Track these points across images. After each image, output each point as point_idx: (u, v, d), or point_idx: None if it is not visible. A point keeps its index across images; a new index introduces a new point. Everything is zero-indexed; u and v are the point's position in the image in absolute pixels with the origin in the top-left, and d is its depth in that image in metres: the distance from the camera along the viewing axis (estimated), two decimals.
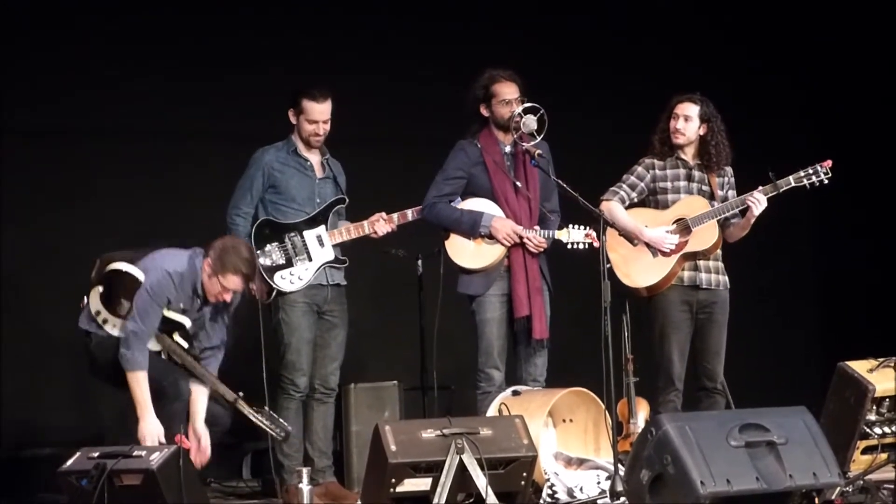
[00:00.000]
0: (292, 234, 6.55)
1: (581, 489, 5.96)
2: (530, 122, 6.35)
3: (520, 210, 6.49)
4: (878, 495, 5.58)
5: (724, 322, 6.59)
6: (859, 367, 5.98)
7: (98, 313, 6.03)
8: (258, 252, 6.44)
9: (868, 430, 5.90)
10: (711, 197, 6.60)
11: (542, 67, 7.99)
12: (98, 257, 6.14)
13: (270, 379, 6.47)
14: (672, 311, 6.51)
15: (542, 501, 5.95)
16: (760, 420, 5.13)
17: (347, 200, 6.69)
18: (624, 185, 6.61)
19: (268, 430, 6.14)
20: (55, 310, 6.67)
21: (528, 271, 6.46)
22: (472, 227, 6.46)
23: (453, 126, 6.80)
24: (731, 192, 6.65)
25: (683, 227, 6.54)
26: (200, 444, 6.06)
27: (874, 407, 5.93)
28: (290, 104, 6.57)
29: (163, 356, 6.07)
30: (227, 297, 6.05)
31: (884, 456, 5.88)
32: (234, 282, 5.98)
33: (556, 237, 6.46)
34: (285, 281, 6.49)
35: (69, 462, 5.56)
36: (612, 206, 6.55)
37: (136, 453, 5.43)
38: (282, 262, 6.50)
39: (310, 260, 6.55)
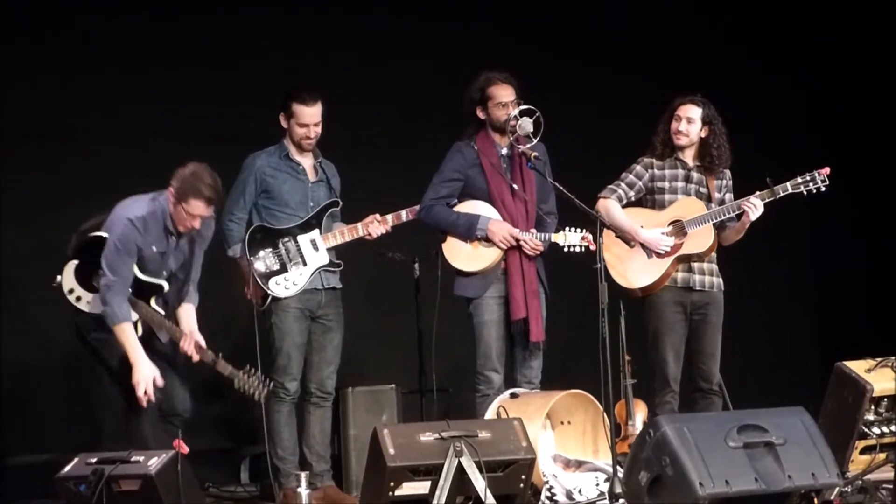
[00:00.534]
0: (286, 239, 6.54)
1: (580, 491, 5.96)
2: (526, 124, 6.35)
3: (516, 212, 6.49)
4: (877, 495, 5.59)
5: (719, 323, 6.59)
6: (857, 367, 5.99)
7: (71, 291, 6.03)
8: (252, 258, 6.43)
9: (866, 429, 5.90)
10: (709, 199, 6.60)
11: (539, 69, 7.99)
12: (74, 232, 6.15)
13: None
14: (665, 311, 6.51)
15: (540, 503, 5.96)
16: (759, 421, 5.13)
17: (341, 203, 6.68)
18: (622, 184, 6.61)
19: (248, 388, 6.10)
20: (55, 313, 6.65)
21: (525, 274, 6.46)
22: (469, 230, 6.46)
23: (448, 127, 6.80)
24: (729, 196, 6.65)
25: (679, 229, 6.54)
26: (194, 338, 6.08)
27: (872, 407, 5.93)
28: (280, 108, 6.57)
29: (139, 325, 6.05)
30: (196, 224, 6.02)
31: (882, 456, 5.88)
32: (198, 207, 5.97)
33: (552, 240, 6.46)
34: (280, 287, 6.49)
35: (67, 468, 5.56)
36: (608, 204, 6.55)
37: (134, 459, 5.43)
38: (276, 267, 6.50)
39: (304, 264, 6.54)
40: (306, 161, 6.64)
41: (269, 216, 6.56)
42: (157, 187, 6.15)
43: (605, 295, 5.73)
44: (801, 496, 5.14)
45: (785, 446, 5.08)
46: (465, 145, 6.55)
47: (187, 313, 6.21)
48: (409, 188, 6.80)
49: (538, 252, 6.49)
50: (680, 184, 6.61)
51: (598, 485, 5.97)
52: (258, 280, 6.46)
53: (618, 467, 5.60)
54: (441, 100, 7.26)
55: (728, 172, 6.70)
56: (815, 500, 5.23)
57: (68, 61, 7.49)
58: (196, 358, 6.10)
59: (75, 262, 6.06)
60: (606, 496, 5.66)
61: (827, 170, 6.46)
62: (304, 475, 6.08)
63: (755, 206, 6.44)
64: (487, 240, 6.46)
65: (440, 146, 6.66)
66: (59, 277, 6.06)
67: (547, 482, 6.01)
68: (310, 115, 6.55)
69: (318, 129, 6.58)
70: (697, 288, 6.54)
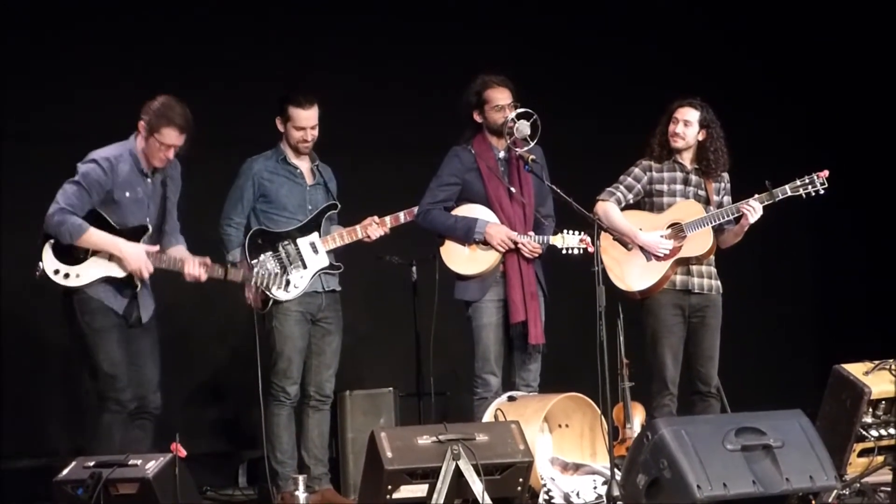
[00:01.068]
0: (286, 242, 6.54)
1: (577, 494, 5.95)
2: (524, 127, 6.35)
3: (514, 216, 6.49)
4: (875, 498, 5.58)
5: (717, 326, 6.59)
6: (855, 369, 5.99)
7: (56, 272, 5.97)
8: (253, 262, 6.43)
9: (864, 432, 5.91)
10: (707, 202, 6.60)
11: (536, 71, 8.01)
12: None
13: (265, 386, 6.47)
14: (664, 314, 6.51)
15: None
16: (756, 423, 5.13)
17: (339, 206, 6.68)
18: (621, 186, 6.61)
19: (264, 283, 6.17)
20: (54, 316, 6.64)
21: (524, 277, 6.46)
22: (467, 234, 6.46)
23: (444, 129, 6.81)
24: (727, 199, 6.65)
25: (678, 231, 6.54)
26: (197, 259, 6.11)
27: (870, 409, 5.94)
28: (276, 112, 6.57)
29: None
30: (170, 155, 6.02)
31: (880, 458, 5.88)
32: (170, 136, 5.98)
33: (550, 242, 6.46)
34: (281, 290, 6.48)
35: (65, 471, 5.55)
36: (607, 207, 6.55)
37: (131, 462, 5.42)
38: (277, 270, 6.50)
39: (304, 267, 6.54)
40: (304, 164, 6.64)
41: (268, 220, 6.56)
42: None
43: (603, 298, 5.72)
44: (799, 499, 5.14)
45: (783, 449, 5.08)
46: (461, 149, 6.55)
47: (179, 251, 6.20)
48: (406, 190, 6.81)
49: (536, 255, 6.48)
50: (678, 186, 6.61)
51: (595, 488, 5.97)
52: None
53: (616, 470, 5.60)
54: (439, 102, 7.26)
55: (726, 175, 6.70)
56: (813, 503, 5.23)
57: (68, 64, 7.49)
58: (204, 276, 6.11)
59: (50, 241, 5.98)
60: (604, 499, 5.65)
61: (826, 172, 6.47)
62: (301, 478, 6.08)
63: (754, 209, 6.45)
64: (485, 243, 6.46)
65: (438, 148, 6.66)
66: (40, 264, 6.00)
67: (545, 485, 6.01)
68: (306, 119, 6.55)
69: (315, 133, 6.58)
70: (696, 291, 6.54)
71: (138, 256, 5.98)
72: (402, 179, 7.29)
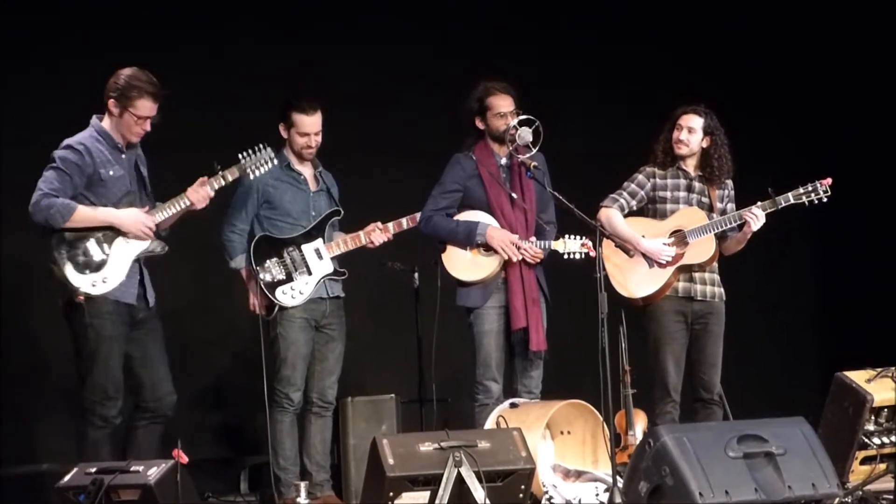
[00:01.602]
0: (290, 248, 6.54)
1: (579, 501, 5.95)
2: (526, 134, 6.35)
3: (516, 222, 6.49)
4: None
5: (720, 333, 6.58)
6: (857, 377, 5.99)
7: (94, 284, 5.88)
8: (258, 268, 6.43)
9: (867, 440, 5.91)
10: (710, 209, 6.60)
11: (538, 77, 8.01)
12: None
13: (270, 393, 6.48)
14: (666, 321, 6.51)
15: None
16: (759, 431, 5.13)
17: (343, 212, 6.68)
18: (624, 193, 6.61)
19: (259, 165, 6.11)
20: (54, 323, 6.63)
21: (525, 283, 6.46)
22: (468, 237, 6.46)
23: (446, 134, 6.81)
24: (731, 206, 6.65)
25: (681, 238, 6.54)
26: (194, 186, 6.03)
27: (873, 417, 5.94)
28: (279, 118, 6.57)
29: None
30: (147, 127, 5.96)
31: (882, 466, 5.88)
32: (145, 107, 5.94)
33: (552, 247, 6.46)
34: (287, 296, 6.48)
35: (67, 478, 5.54)
36: (611, 214, 6.55)
37: (133, 469, 5.42)
38: (282, 277, 6.50)
39: (309, 273, 6.54)
40: (307, 171, 6.65)
41: (272, 226, 6.56)
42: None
43: (605, 304, 5.72)
44: None
45: (785, 456, 5.07)
46: (463, 157, 6.55)
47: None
48: (408, 197, 6.80)
49: (538, 260, 6.49)
50: (682, 193, 6.61)
51: (597, 495, 5.97)
52: (265, 290, 6.45)
53: (617, 477, 5.59)
54: (442, 108, 7.26)
55: (730, 182, 6.70)
56: None
57: (67, 70, 7.49)
58: (212, 192, 6.01)
59: (64, 263, 5.87)
60: None
61: (829, 180, 6.46)
62: (303, 485, 6.09)
63: (757, 217, 6.44)
64: (487, 248, 6.47)
65: (440, 155, 6.66)
66: (77, 287, 5.86)
67: (546, 492, 6.00)
68: (310, 125, 6.55)
69: (319, 139, 6.58)
70: (699, 298, 6.54)
71: (135, 217, 5.91)
72: (404, 186, 7.29)
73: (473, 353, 6.51)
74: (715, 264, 6.60)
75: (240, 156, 6.14)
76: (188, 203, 6.05)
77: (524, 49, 8.51)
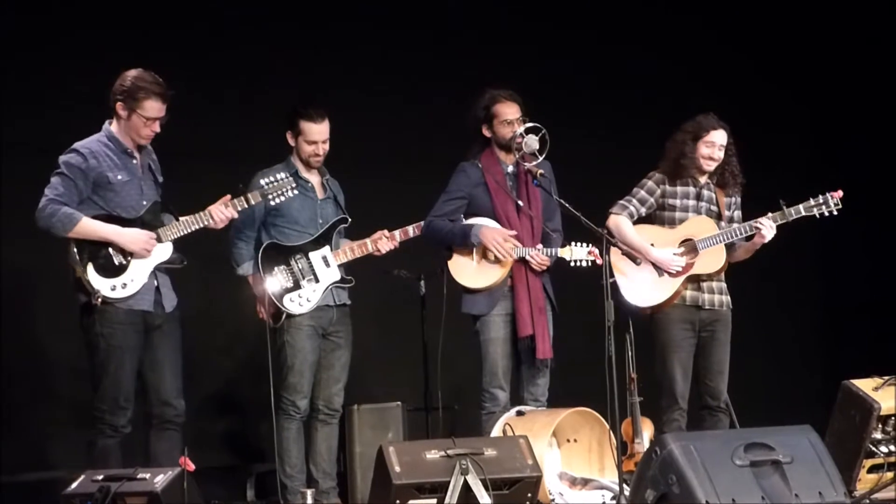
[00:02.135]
0: (298, 256, 6.54)
1: None
2: (532, 141, 6.35)
3: (522, 229, 6.49)
4: None
5: (727, 341, 6.58)
6: (864, 385, 5.99)
7: (114, 288, 5.85)
8: (265, 276, 6.43)
9: (874, 448, 5.91)
10: (719, 217, 6.59)
11: (544, 85, 8.00)
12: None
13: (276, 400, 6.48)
14: (674, 329, 6.50)
15: None
16: (765, 439, 5.13)
17: (350, 220, 6.69)
18: (634, 200, 6.59)
19: (281, 191, 6.16)
20: (59, 330, 6.65)
21: (532, 290, 6.45)
22: (464, 238, 6.45)
23: (452, 142, 6.81)
24: (738, 213, 6.64)
25: (691, 248, 6.52)
26: (216, 205, 6.04)
27: (880, 425, 5.94)
28: (287, 126, 6.58)
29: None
30: (156, 128, 5.94)
31: (890, 475, 5.88)
32: (153, 108, 5.91)
33: (559, 255, 6.46)
34: (294, 303, 6.48)
35: (73, 485, 5.54)
36: (619, 221, 6.54)
37: (140, 476, 5.42)
38: (290, 284, 6.50)
39: (317, 281, 6.54)
40: (314, 178, 6.65)
41: (279, 234, 6.56)
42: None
43: (612, 312, 5.71)
44: None
45: (792, 465, 5.07)
46: (469, 165, 6.56)
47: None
48: (414, 205, 6.80)
49: (544, 267, 6.48)
50: (691, 202, 6.60)
51: (604, 503, 5.96)
52: (273, 297, 6.46)
53: (624, 485, 5.59)
54: (449, 116, 7.26)
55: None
56: None
57: (69, 74, 7.49)
58: (230, 213, 6.03)
59: (87, 263, 5.84)
60: None
61: (840, 193, 6.44)
62: (310, 492, 6.08)
63: (768, 228, 6.42)
64: (485, 255, 6.47)
65: (446, 163, 6.66)
66: (97, 290, 5.82)
67: (553, 500, 6.00)
68: (318, 132, 6.55)
69: (327, 146, 6.58)
70: (706, 306, 6.53)
71: (136, 236, 5.88)
72: (410, 194, 7.29)
73: (479, 361, 6.51)
74: (722, 273, 6.59)
75: (262, 182, 6.19)
76: (211, 222, 6.06)
77: (531, 57, 8.52)
